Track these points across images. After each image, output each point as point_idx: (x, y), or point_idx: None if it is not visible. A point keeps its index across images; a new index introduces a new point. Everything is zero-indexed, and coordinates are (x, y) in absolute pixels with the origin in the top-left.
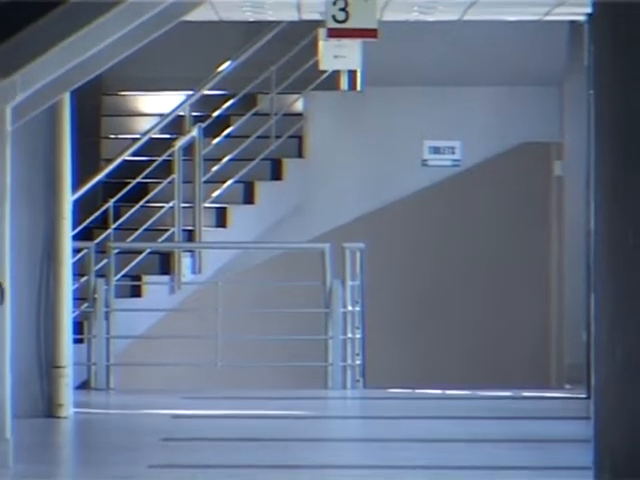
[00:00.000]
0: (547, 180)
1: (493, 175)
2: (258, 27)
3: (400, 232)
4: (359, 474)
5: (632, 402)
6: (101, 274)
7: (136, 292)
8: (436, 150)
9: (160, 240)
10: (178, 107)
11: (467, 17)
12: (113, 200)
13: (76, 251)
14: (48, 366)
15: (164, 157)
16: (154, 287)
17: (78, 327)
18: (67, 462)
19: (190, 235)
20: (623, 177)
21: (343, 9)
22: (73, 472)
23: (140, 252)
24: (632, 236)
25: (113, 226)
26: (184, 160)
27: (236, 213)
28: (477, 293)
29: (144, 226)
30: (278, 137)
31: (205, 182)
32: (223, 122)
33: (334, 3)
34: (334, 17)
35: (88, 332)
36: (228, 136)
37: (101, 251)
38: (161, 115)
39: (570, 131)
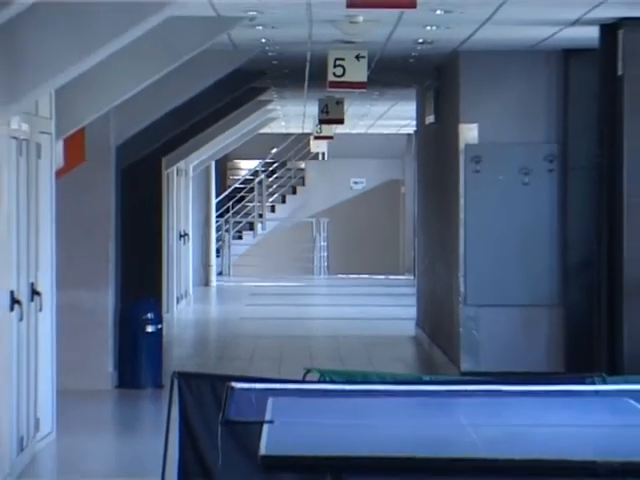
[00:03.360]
0: (398, 194)
1: (379, 193)
2: (287, 135)
3: (341, 214)
4: (326, 308)
5: (430, 279)
6: (226, 230)
7: (240, 237)
8: (356, 182)
9: (249, 217)
10: (256, 166)
11: (369, 131)
12: (231, 202)
13: (216, 222)
14: (206, 265)
15: (250, 186)
16: (247, 235)
17: (218, 251)
18: (213, 302)
19: (261, 215)
20: (426, 194)
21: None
22: (217, 307)
23: (240, 222)
24: (435, 218)
25: (231, 212)
26: (258, 186)
27: (279, 207)
28: (371, 237)
29: (242, 212)
30: (295, 178)
31: (267, 195)
32: (273, 172)
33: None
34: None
35: (221, 253)
36: (275, 178)
37: (228, 223)
38: (249, 169)
39: (407, 174)
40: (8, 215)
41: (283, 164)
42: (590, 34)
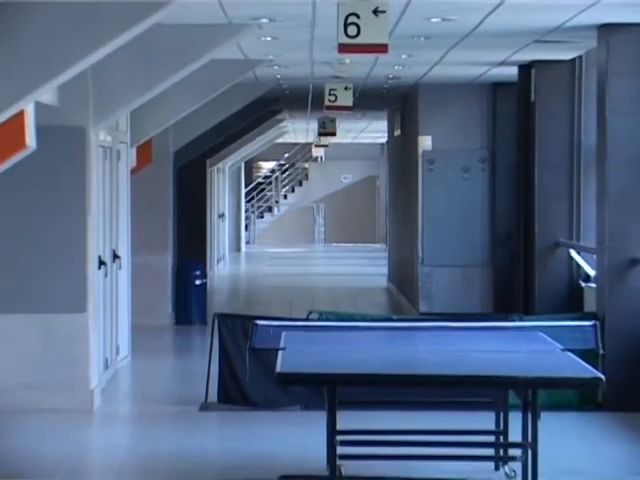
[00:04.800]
0: (374, 186)
1: (361, 185)
2: (294, 144)
3: (334, 200)
4: (323, 267)
5: (398, 246)
6: (252, 211)
7: (262, 216)
8: (345, 177)
9: (268, 202)
10: (273, 166)
11: (354, 140)
12: (255, 192)
13: (245, 206)
14: (237, 236)
15: (269, 180)
16: (267, 215)
17: (246, 226)
18: (243, 263)
19: (277, 201)
20: (395, 186)
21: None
22: (245, 266)
23: (262, 206)
24: (401, 203)
25: (255, 199)
26: (275, 180)
27: (290, 195)
28: (355, 216)
29: (263, 199)
30: (301, 174)
31: (281, 187)
32: (285, 170)
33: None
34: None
35: (249, 228)
36: (287, 174)
37: (253, 206)
38: (268, 168)
39: (381, 172)
40: (97, 202)
41: (292, 164)
42: (511, 72)
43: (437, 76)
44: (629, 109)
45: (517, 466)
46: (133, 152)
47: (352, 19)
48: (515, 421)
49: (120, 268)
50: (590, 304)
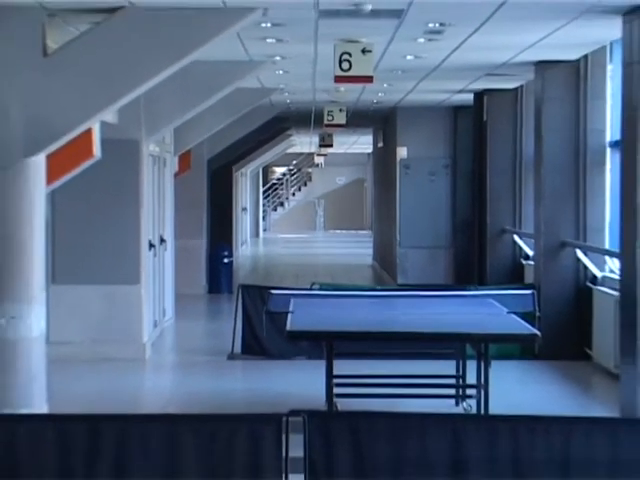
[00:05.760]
0: (362, 186)
1: (352, 186)
2: (300, 153)
3: (331, 197)
4: (323, 249)
5: (380, 232)
6: (268, 206)
7: (276, 210)
8: (339, 179)
9: (281, 199)
10: (284, 171)
11: (347, 151)
12: (270, 190)
13: (263, 201)
14: (256, 225)
15: (281, 181)
16: (279, 209)
17: (264, 217)
18: (261, 246)
19: (287, 198)
20: (379, 187)
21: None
22: (263, 248)
23: (275, 201)
24: (383, 199)
25: (270, 196)
26: (285, 182)
27: (297, 193)
28: (348, 209)
29: (276, 196)
30: (306, 177)
31: (290, 187)
32: (294, 173)
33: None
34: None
35: (266, 218)
36: (295, 177)
37: (269, 202)
38: (281, 172)
39: (368, 175)
40: (147, 198)
41: (299, 169)
42: (468, 98)
43: (411, 101)
44: (559, 127)
45: (473, 402)
46: (176, 160)
47: (345, 57)
48: (471, 368)
49: (166, 250)
50: (529, 277)
